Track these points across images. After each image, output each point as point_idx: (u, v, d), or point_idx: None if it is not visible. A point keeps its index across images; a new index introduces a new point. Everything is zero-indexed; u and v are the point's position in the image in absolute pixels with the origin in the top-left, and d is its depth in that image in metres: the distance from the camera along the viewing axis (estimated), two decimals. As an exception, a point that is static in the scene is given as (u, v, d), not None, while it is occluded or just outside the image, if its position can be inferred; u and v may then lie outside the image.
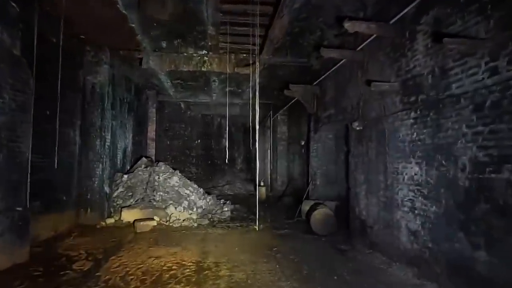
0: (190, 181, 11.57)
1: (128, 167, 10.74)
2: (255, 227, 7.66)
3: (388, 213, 5.11)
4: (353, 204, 6.38)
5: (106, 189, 7.96)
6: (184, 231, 7.11)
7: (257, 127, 4.71)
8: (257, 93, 5.99)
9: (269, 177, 15.82)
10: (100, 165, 7.79)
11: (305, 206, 8.20)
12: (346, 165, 7.52)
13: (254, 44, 8.12)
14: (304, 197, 8.87)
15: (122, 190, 8.90)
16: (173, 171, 10.25)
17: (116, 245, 5.89)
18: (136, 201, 8.44)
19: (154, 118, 13.82)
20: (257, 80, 6.11)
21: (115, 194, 8.77)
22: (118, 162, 10.17)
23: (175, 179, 9.56)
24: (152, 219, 7.52)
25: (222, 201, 10.72)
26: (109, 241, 6.20)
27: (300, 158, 12.02)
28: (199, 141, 17.11)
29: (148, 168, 9.80)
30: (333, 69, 7.48)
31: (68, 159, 7.27)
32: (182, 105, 15.94)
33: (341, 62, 7.02)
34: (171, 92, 12.75)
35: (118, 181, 9.20)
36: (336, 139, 8.71)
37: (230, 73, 10.31)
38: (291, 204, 11.10)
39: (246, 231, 7.30)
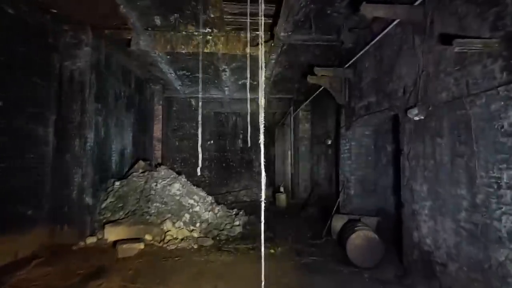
0: (202, 186, 10.01)
1: (128, 171, 9.29)
2: (271, 250, 5.94)
3: (478, 248, 3.23)
4: (409, 226, 4.51)
5: (88, 199, 6.46)
6: (178, 258, 5.45)
7: (262, 110, 2.96)
8: (262, 72, 4.25)
9: (289, 181, 14.02)
10: (80, 171, 6.30)
11: (337, 223, 6.38)
12: (395, 170, 5.68)
13: (269, 16, 6.45)
14: (334, 209, 7.04)
15: (113, 200, 7.40)
16: (176, 176, 8.67)
17: (79, 282, 4.32)
18: (126, 214, 6.91)
19: (161, 116, 12.36)
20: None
21: (104, 205, 7.28)
22: (114, 166, 8.73)
23: (177, 187, 7.97)
24: (140, 240, 5.92)
25: (234, 211, 9.07)
26: (76, 273, 4.64)
27: (326, 160, 10.19)
28: (212, 141, 15.56)
29: (145, 173, 8.28)
30: (373, 42, 5.64)
31: (36, 163, 5.82)
32: (193, 102, 14.46)
33: (385, 31, 5.17)
34: (177, 86, 11.26)
35: (109, 189, 7.72)
36: (376, 136, 6.83)
37: (242, 58, 8.72)
38: (316, 215, 9.28)
39: (259, 258, 5.56)
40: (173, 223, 6.73)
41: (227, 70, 9.58)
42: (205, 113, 15.27)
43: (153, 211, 6.97)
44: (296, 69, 9.50)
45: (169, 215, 6.97)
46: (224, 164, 15.85)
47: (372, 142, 6.85)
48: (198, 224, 7.10)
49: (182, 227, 6.72)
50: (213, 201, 8.86)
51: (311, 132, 12.15)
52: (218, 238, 6.79)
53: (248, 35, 6.23)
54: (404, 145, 4.64)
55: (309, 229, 7.60)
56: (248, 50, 6.65)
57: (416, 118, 4.22)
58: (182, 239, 6.39)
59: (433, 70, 3.98)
